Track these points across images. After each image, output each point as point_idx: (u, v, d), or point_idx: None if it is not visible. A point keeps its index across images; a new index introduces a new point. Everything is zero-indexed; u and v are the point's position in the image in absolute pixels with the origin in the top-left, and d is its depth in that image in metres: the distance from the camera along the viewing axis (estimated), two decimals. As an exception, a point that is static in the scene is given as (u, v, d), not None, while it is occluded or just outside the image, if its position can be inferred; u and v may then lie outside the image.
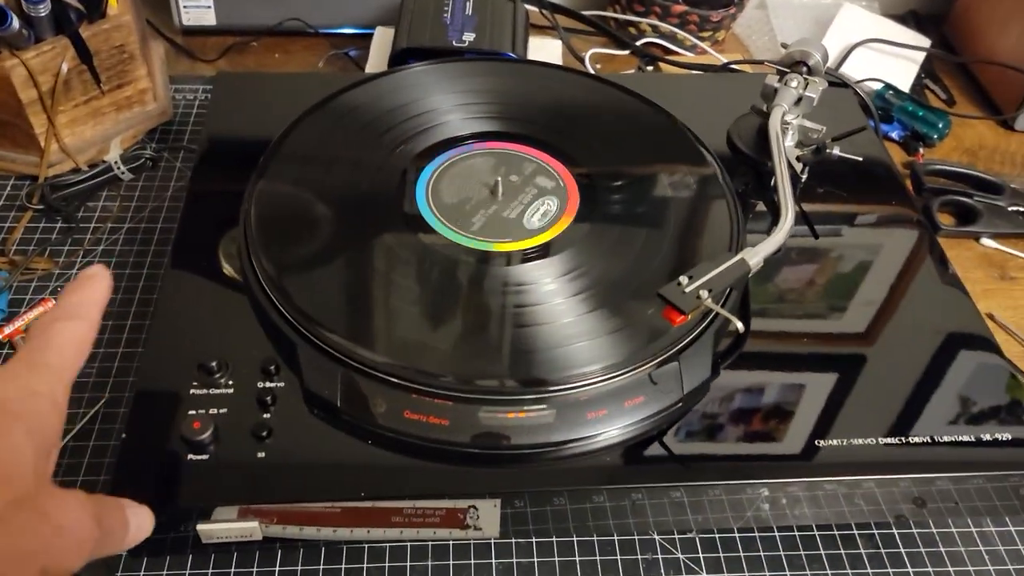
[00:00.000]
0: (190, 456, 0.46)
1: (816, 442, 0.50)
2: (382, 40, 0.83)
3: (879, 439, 0.50)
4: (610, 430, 0.48)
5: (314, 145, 0.60)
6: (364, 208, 0.56)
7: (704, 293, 0.47)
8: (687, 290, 0.47)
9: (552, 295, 0.52)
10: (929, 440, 0.50)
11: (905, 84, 0.90)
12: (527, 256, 0.54)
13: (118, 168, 0.72)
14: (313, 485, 0.46)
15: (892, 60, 0.92)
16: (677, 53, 0.90)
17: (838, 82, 0.76)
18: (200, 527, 0.45)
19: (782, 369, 0.53)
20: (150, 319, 0.52)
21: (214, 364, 0.48)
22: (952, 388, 0.52)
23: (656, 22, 0.89)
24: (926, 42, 0.94)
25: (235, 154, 0.63)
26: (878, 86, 0.87)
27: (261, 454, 0.46)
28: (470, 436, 0.47)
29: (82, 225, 0.71)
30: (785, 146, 0.60)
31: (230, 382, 0.49)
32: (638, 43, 0.89)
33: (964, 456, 0.49)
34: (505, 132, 0.62)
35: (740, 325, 0.46)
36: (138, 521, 0.37)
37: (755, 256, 0.49)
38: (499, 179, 0.57)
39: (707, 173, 0.61)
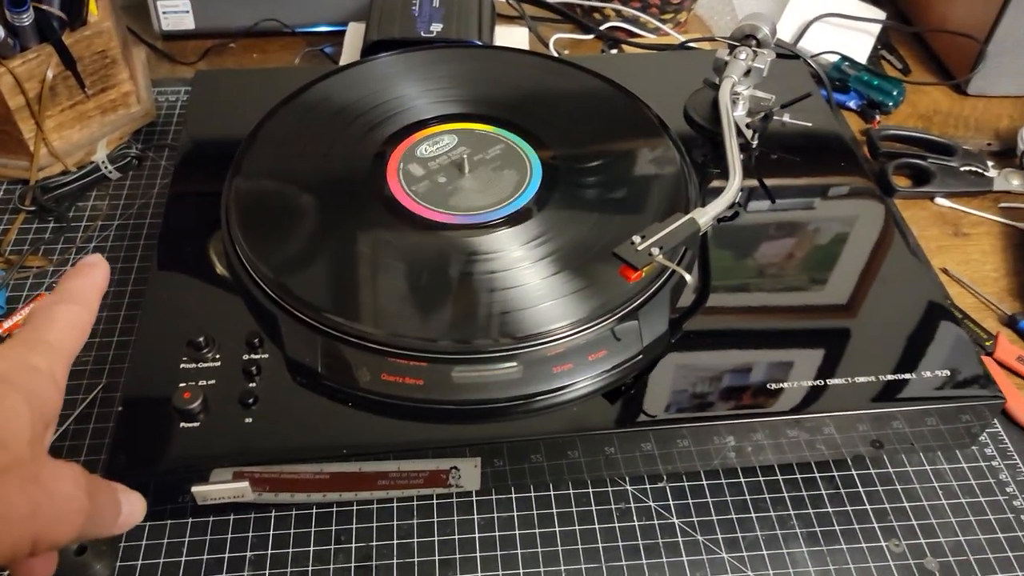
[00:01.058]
0: (182, 424, 0.49)
1: (773, 386, 0.53)
2: (355, 35, 0.87)
3: (834, 380, 0.53)
4: (577, 382, 0.51)
5: (288, 134, 0.63)
6: (336, 188, 0.60)
7: (656, 250, 0.50)
8: (640, 248, 0.50)
9: (518, 261, 0.55)
10: (878, 379, 0.53)
11: (863, 56, 0.93)
12: (494, 225, 0.57)
13: (105, 168, 0.75)
14: (298, 446, 0.49)
15: (849, 33, 0.95)
16: (640, 36, 0.93)
17: (789, 54, 0.79)
18: (195, 489, 0.48)
19: (741, 323, 0.56)
20: (142, 303, 0.55)
21: (202, 340, 0.52)
22: (903, 334, 0.56)
23: (619, 7, 0.92)
24: (881, 14, 0.98)
25: (215, 146, 0.66)
26: (835, 58, 0.90)
27: (248, 419, 0.49)
28: (445, 394, 0.50)
29: (73, 224, 0.74)
30: (735, 115, 0.63)
31: (217, 356, 0.52)
32: (602, 27, 0.93)
33: (915, 391, 0.52)
34: (470, 113, 0.65)
35: (688, 277, 0.49)
36: (130, 507, 0.38)
37: (704, 215, 0.53)
38: (465, 156, 0.60)
39: (662, 143, 0.64)
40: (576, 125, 0.65)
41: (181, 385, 0.50)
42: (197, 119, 0.69)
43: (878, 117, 0.87)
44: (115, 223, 0.74)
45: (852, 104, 0.88)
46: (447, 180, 0.60)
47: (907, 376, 0.53)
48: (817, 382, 0.53)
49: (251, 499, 0.50)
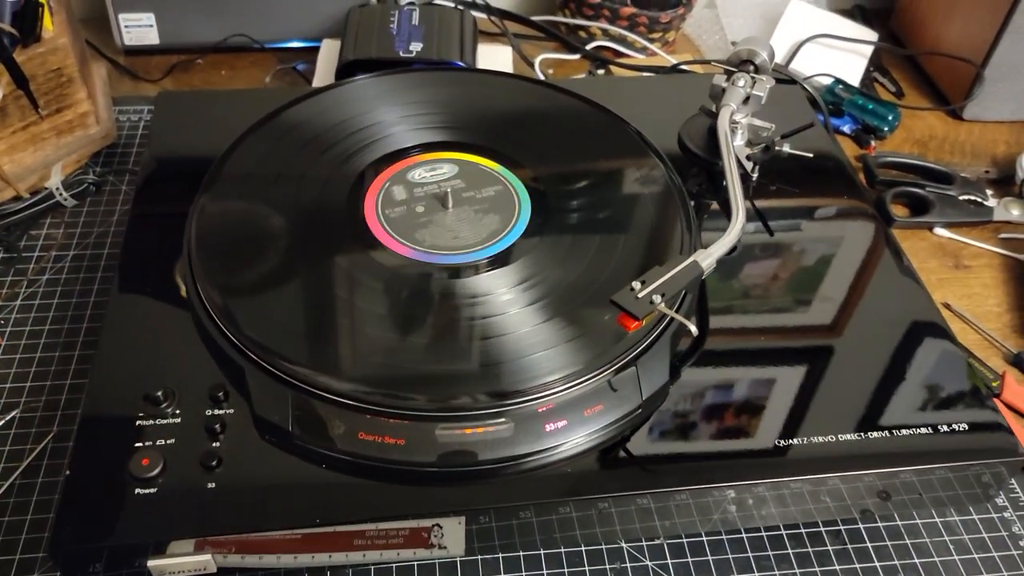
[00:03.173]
0: (137, 490, 0.44)
1: (779, 442, 0.49)
2: (329, 53, 0.82)
3: (841, 435, 0.50)
4: (571, 440, 0.47)
5: (258, 163, 0.59)
6: (310, 226, 0.55)
7: (657, 298, 0.46)
8: (640, 295, 0.46)
9: (506, 306, 0.51)
10: (890, 433, 0.50)
11: (855, 78, 0.90)
12: (479, 267, 0.53)
13: (60, 195, 0.70)
14: (266, 513, 0.44)
15: (841, 55, 0.93)
16: (628, 56, 0.90)
17: (786, 79, 0.76)
18: (151, 563, 0.44)
19: (741, 369, 0.52)
20: (96, 350, 0.50)
21: (160, 394, 0.47)
22: (911, 380, 0.52)
23: (606, 25, 0.88)
24: (873, 36, 0.95)
25: (179, 174, 0.61)
26: (828, 81, 0.87)
27: (211, 484, 0.45)
28: (428, 455, 0.46)
29: (25, 255, 0.69)
30: (735, 145, 0.60)
31: (177, 411, 0.47)
32: (588, 47, 0.89)
33: (926, 446, 0.49)
34: (454, 141, 0.61)
35: (694, 329, 0.45)
36: None
37: (707, 258, 0.49)
38: (448, 190, 0.56)
39: (657, 176, 0.61)
40: (568, 156, 0.61)
41: (138, 446, 0.46)
42: (159, 144, 0.64)
43: (873, 142, 0.84)
44: (71, 253, 0.69)
45: (846, 128, 0.85)
46: (429, 216, 0.55)
47: (921, 430, 0.50)
48: (828, 438, 0.49)
49: (213, 571, 0.45)
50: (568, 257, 0.54)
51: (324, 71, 0.81)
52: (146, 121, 0.81)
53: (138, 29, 0.86)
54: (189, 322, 0.51)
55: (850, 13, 1.00)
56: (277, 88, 0.84)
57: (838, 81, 0.87)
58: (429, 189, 0.57)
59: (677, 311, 0.50)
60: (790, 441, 0.49)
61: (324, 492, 0.45)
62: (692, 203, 0.59)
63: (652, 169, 0.61)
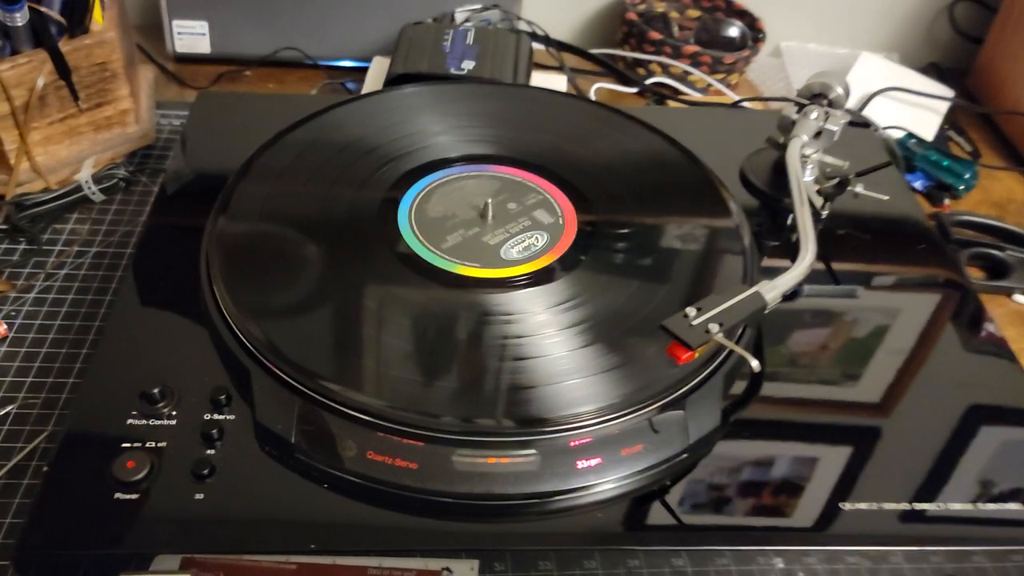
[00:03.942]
0: (118, 495, 0.40)
1: (838, 506, 0.43)
2: (379, 69, 0.80)
3: (910, 504, 0.44)
4: (605, 481, 0.42)
5: (291, 162, 0.56)
6: (338, 229, 0.51)
7: (714, 327, 0.41)
8: (695, 323, 0.41)
9: (541, 327, 0.46)
10: (967, 509, 0.44)
11: (928, 135, 0.85)
12: (515, 284, 0.48)
13: (89, 188, 0.68)
14: (256, 534, 0.39)
15: (914, 110, 0.88)
16: (686, 95, 0.86)
17: (860, 122, 0.72)
18: (123, 579, 0.39)
19: (800, 426, 0.47)
20: (99, 343, 0.46)
21: (157, 392, 0.43)
22: (994, 456, 0.46)
23: (668, 60, 0.85)
24: (949, 92, 0.90)
25: (209, 171, 0.58)
26: (900, 135, 0.82)
27: (199, 495, 0.40)
28: (443, 483, 0.41)
29: (46, 248, 0.66)
30: (804, 181, 0.55)
31: (173, 412, 0.43)
32: (647, 82, 0.86)
33: (1006, 531, 0.43)
34: (498, 155, 0.57)
35: (755, 363, 0.40)
36: None
37: (772, 290, 0.44)
38: (489, 201, 0.52)
39: (717, 203, 0.56)
40: (621, 178, 0.57)
41: (125, 446, 0.41)
42: (193, 143, 0.61)
43: (947, 201, 0.78)
44: (93, 250, 0.66)
45: (918, 185, 0.80)
46: (466, 229, 0.51)
47: (1007, 505, 0.44)
48: (897, 505, 0.43)
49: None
50: (614, 281, 0.49)
51: (372, 86, 0.78)
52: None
53: (190, 36, 0.85)
54: (201, 320, 0.47)
55: (923, 71, 0.95)
56: (320, 96, 0.82)
57: (911, 135, 0.82)
58: (469, 201, 0.53)
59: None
60: (856, 505, 0.43)
61: (324, 515, 0.40)
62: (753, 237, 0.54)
63: (712, 195, 0.56)
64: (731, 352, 0.46)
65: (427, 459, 0.41)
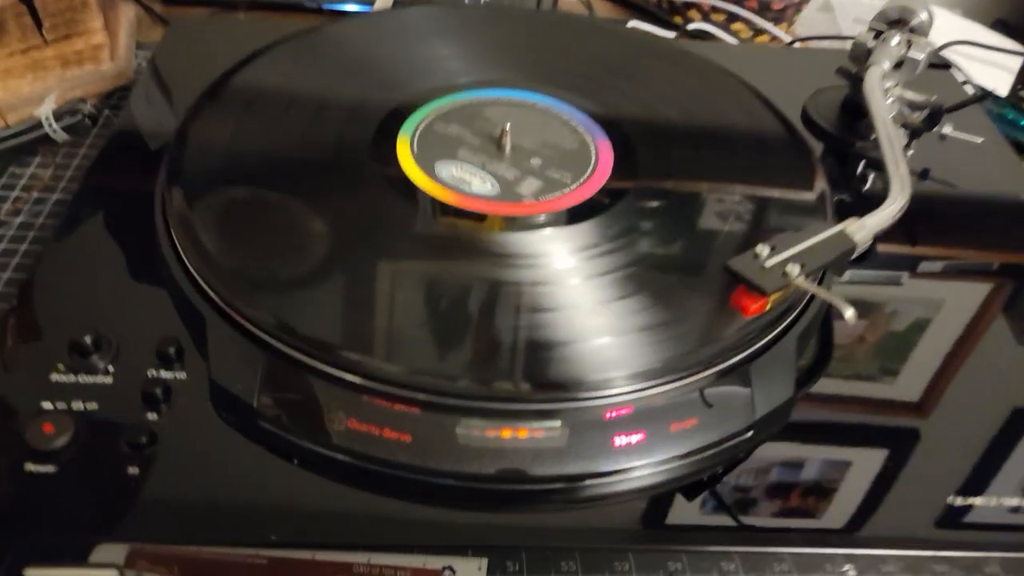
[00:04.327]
0: (29, 466, 0.31)
1: (942, 503, 0.34)
2: (382, 7, 0.71)
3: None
4: (648, 463, 0.33)
5: (271, 84, 0.47)
6: (323, 156, 0.42)
7: (793, 269, 0.32)
8: (768, 264, 0.32)
9: (570, 274, 0.37)
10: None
11: (1000, 93, 0.76)
12: (536, 222, 0.39)
13: (49, 125, 0.59)
14: (202, 521, 0.31)
15: (983, 68, 0.78)
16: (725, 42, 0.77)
17: (939, 63, 0.62)
18: (29, 572, 0.30)
19: (885, 403, 0.38)
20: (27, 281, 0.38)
21: (89, 340, 0.34)
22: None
23: (717, 2, 0.76)
24: (1022, 48, 0.81)
25: (173, 105, 0.50)
26: (971, 91, 0.73)
27: (133, 470, 0.31)
28: (444, 460, 0.32)
29: (2, 192, 0.58)
30: (884, 116, 0.45)
31: (110, 368, 0.34)
32: (687, 27, 0.77)
33: None
34: (520, 79, 0.48)
35: (850, 312, 0.31)
36: None
37: (861, 230, 0.35)
38: (507, 129, 0.43)
39: (784, 135, 0.47)
40: (665, 110, 0.48)
41: (45, 407, 0.33)
42: (162, 70, 0.53)
43: (1026, 164, 0.69)
44: (54, 197, 0.58)
45: (993, 146, 0.70)
46: (478, 160, 0.42)
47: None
48: (1007, 500, 0.34)
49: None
50: (661, 222, 0.40)
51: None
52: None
53: (179, -26, 0.76)
54: (152, 261, 0.39)
55: (991, 28, 0.86)
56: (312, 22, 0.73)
57: (984, 91, 0.73)
58: (482, 129, 0.44)
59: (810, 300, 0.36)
60: (970, 501, 0.34)
61: (293, 499, 0.32)
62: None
63: (775, 128, 0.47)
64: (806, 307, 0.37)
65: (425, 431, 0.32)
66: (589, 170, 0.42)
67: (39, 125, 0.59)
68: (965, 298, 0.43)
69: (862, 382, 0.38)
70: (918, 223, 0.44)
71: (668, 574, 0.34)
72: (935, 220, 0.47)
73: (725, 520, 0.34)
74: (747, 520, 0.34)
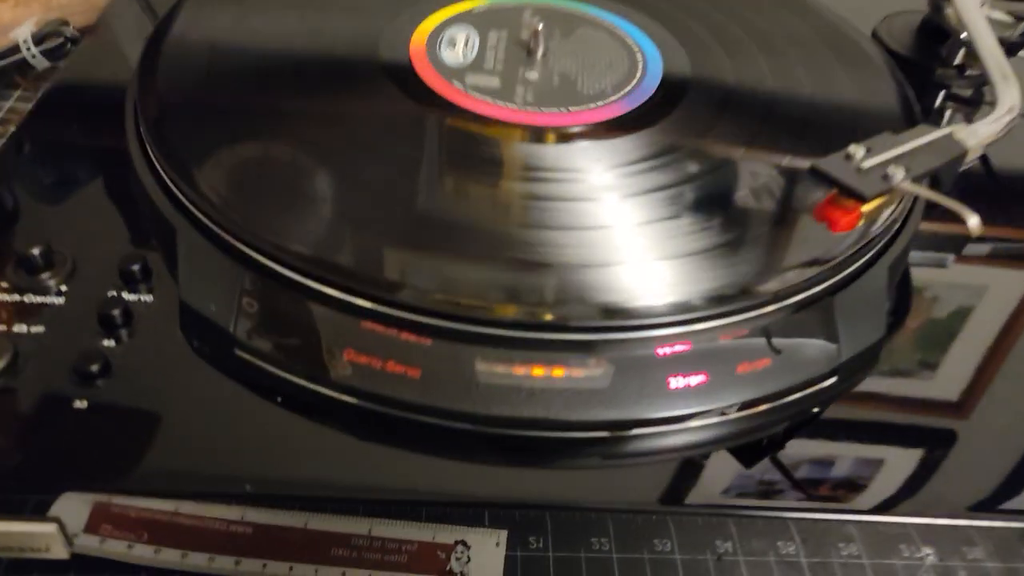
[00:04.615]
0: (-46, 396, 0.25)
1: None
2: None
3: None
4: (709, 412, 0.27)
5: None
6: (320, 52, 0.36)
7: (896, 172, 0.26)
8: (865, 165, 0.26)
9: (612, 189, 0.31)
10: None
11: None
12: (572, 133, 0.33)
13: (28, 50, 0.54)
14: (162, 468, 0.25)
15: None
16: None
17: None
18: (-51, 525, 0.25)
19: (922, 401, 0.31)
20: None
21: (38, 254, 0.29)
22: None
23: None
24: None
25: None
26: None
27: (81, 403, 0.26)
28: (459, 401, 0.26)
29: (-24, 124, 0.52)
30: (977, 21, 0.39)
31: (63, 287, 0.29)
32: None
33: None
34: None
35: (974, 220, 0.25)
36: None
37: (973, 136, 0.29)
38: (539, 29, 0.36)
39: (857, 48, 0.40)
40: (728, 20, 0.41)
41: (-19, 328, 0.27)
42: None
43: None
44: (33, 129, 0.52)
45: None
46: (504, 65, 0.36)
47: None
48: None
49: (63, 556, 0.26)
50: (721, 132, 0.34)
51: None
52: None
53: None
54: (119, 167, 0.33)
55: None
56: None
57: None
58: (509, 32, 0.38)
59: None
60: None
61: (275, 446, 0.26)
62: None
63: (846, 40, 0.41)
64: (899, 232, 0.30)
65: (437, 365, 0.26)
66: (635, 80, 0.36)
67: (16, 49, 0.54)
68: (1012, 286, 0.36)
69: (899, 378, 0.32)
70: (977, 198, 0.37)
71: (717, 555, 0.29)
72: (991, 195, 0.40)
73: (783, 491, 0.28)
74: (819, 492, 0.28)
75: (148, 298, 0.29)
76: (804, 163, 0.29)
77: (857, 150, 0.26)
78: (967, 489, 0.28)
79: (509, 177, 0.31)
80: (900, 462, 0.29)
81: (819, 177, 0.26)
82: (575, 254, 0.28)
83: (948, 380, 0.31)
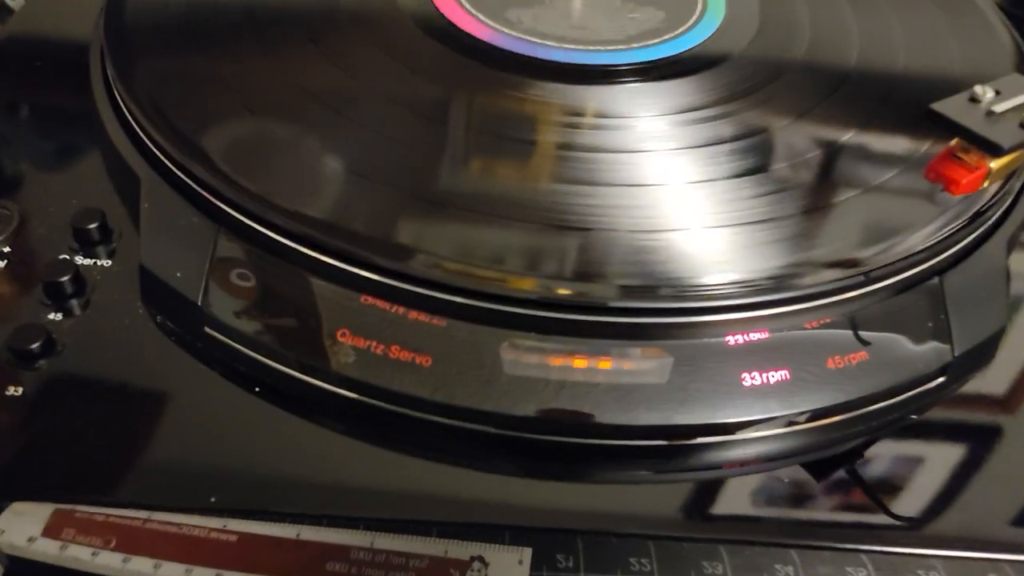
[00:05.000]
0: None
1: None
2: None
3: None
4: (790, 415, 0.22)
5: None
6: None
7: (1039, 118, 0.20)
8: (997, 109, 0.20)
9: (673, 135, 0.26)
10: None
11: None
12: (620, 73, 0.28)
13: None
14: (114, 472, 0.20)
15: None
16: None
17: None
18: None
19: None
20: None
21: (-25, 207, 0.24)
22: None
23: None
24: None
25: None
26: None
27: (14, 391, 0.21)
28: (480, 398, 0.21)
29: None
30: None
31: (5, 249, 0.24)
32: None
33: None
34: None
35: None
36: None
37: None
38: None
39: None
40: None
41: (-97, 297, 0.22)
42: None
43: None
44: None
45: None
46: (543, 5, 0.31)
47: None
48: None
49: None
50: (801, 77, 0.28)
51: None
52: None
53: None
54: (78, 111, 0.28)
55: None
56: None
57: None
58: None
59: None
60: None
61: (251, 445, 0.21)
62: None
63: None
64: (1016, 200, 0.25)
65: (452, 352, 0.21)
66: (695, 15, 0.30)
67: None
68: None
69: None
70: None
71: None
72: None
73: (856, 509, 0.23)
74: (907, 513, 0.23)
75: (106, 263, 0.24)
76: (904, 113, 0.23)
77: (984, 91, 0.21)
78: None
79: (548, 124, 0.25)
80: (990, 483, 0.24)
81: (938, 123, 0.20)
82: (626, 217, 0.22)
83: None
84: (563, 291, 0.21)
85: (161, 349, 0.22)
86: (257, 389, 0.22)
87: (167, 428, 0.21)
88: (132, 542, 0.23)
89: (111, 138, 0.25)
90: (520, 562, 0.23)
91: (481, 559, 0.23)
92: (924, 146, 0.24)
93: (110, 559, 0.24)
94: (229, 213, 0.22)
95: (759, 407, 0.21)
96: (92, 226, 0.24)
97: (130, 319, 0.23)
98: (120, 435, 0.21)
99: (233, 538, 0.24)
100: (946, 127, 0.20)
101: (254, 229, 0.22)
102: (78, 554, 0.23)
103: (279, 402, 0.22)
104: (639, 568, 0.23)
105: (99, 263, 0.24)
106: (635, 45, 0.29)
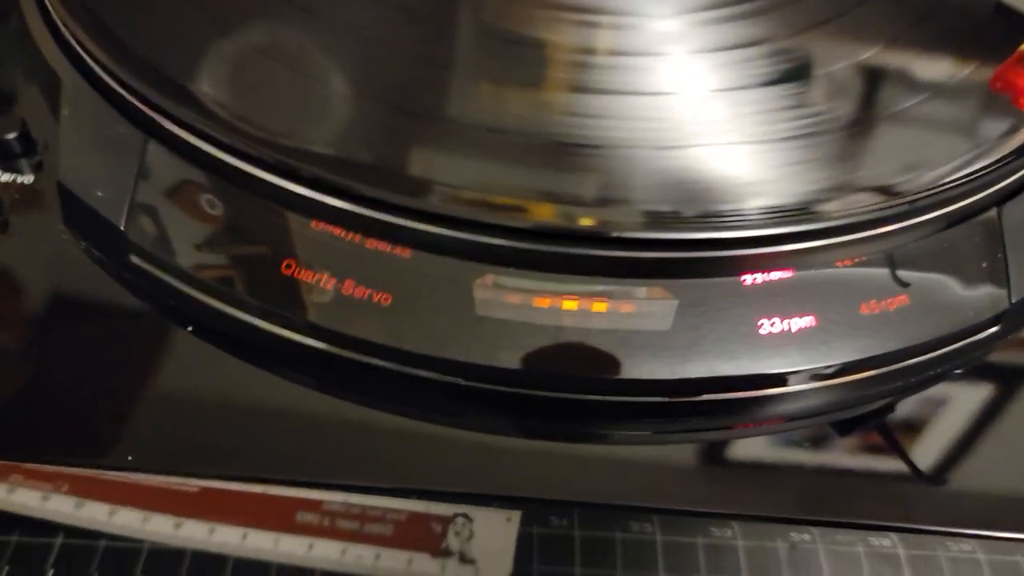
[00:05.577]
0: None
1: None
2: None
3: None
4: (812, 368, 0.18)
5: None
6: None
7: None
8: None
9: (683, 36, 0.22)
10: None
11: None
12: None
13: None
14: (29, 419, 0.17)
15: None
16: None
17: None
18: None
19: None
20: None
21: None
22: None
23: None
24: None
25: None
26: None
27: (-95, 326, 0.18)
28: (447, 346, 0.18)
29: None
30: None
31: (-93, 161, 0.21)
32: None
33: None
34: None
35: None
36: None
37: None
38: None
39: None
40: None
41: None
42: None
43: None
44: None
45: None
46: None
47: None
48: None
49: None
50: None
51: None
52: None
53: None
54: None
55: None
56: None
57: None
58: None
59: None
60: None
61: (189, 394, 0.18)
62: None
63: None
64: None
65: (417, 289, 0.18)
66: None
67: None
68: None
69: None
70: None
71: (790, 545, 0.21)
72: None
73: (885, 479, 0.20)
74: (939, 473, 0.20)
75: (28, 179, 0.21)
76: (967, 12, 0.19)
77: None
78: None
79: (539, 20, 0.21)
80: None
81: (1011, 20, 0.16)
82: (625, 131, 0.19)
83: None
84: (550, 218, 0.18)
85: (86, 280, 0.19)
86: (190, 328, 0.19)
87: (89, 372, 0.18)
88: (86, 486, 0.21)
89: (32, 33, 0.22)
90: (509, 519, 0.21)
91: (465, 515, 0.21)
92: (987, 55, 0.20)
93: (61, 503, 0.21)
94: (158, 121, 0.19)
95: (779, 359, 0.18)
96: (11, 136, 0.21)
97: (51, 244, 0.20)
98: (35, 379, 0.18)
99: (194, 489, 0.21)
100: (1020, 25, 0.17)
101: (186, 141, 0.19)
102: (26, 498, 0.21)
103: (216, 343, 0.19)
104: (640, 529, 0.21)
105: (19, 179, 0.21)
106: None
